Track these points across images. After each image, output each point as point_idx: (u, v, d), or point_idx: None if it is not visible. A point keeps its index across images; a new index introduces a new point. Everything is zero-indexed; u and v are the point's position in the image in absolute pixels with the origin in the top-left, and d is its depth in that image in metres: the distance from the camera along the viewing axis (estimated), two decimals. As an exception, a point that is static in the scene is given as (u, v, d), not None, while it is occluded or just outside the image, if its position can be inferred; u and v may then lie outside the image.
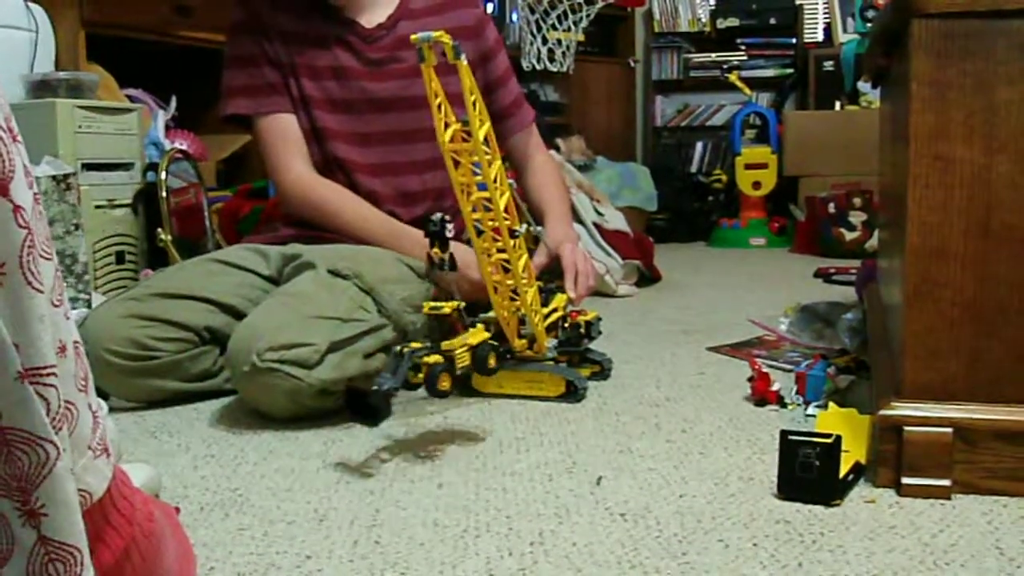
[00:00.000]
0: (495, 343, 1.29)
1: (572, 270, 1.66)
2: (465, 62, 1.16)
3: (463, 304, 1.27)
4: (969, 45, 0.99)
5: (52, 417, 0.55)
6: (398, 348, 1.20)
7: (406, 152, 1.77)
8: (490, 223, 1.26)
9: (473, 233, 1.26)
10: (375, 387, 1.14)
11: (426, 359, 1.18)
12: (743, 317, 2.13)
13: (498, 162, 1.24)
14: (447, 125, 1.17)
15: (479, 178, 1.22)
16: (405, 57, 1.77)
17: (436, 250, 1.27)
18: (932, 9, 0.99)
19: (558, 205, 1.88)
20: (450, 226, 1.26)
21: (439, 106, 1.15)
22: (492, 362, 1.27)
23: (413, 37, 1.15)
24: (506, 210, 1.26)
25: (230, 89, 1.77)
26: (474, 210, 1.24)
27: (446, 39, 1.14)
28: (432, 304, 1.25)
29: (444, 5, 1.84)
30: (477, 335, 1.27)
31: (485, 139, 1.20)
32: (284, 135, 1.75)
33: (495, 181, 1.22)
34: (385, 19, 1.79)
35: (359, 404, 1.17)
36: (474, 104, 1.18)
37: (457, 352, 1.21)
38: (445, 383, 1.18)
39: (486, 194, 1.23)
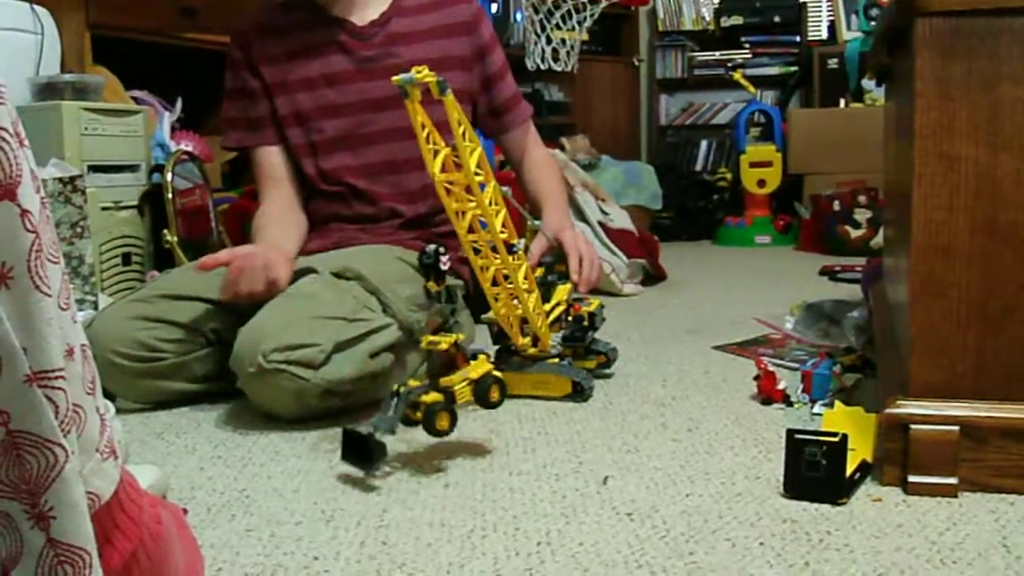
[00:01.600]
0: (498, 375, 1.24)
1: (575, 253, 1.65)
2: (451, 97, 1.13)
3: (462, 337, 1.24)
4: (973, 43, 0.99)
5: (60, 420, 0.55)
6: (395, 387, 1.17)
7: (405, 149, 1.76)
8: (487, 242, 1.24)
9: (470, 251, 1.25)
10: (370, 431, 1.11)
11: (424, 398, 1.16)
12: (748, 315, 2.12)
13: (492, 182, 1.22)
14: (436, 153, 1.14)
15: (473, 204, 1.20)
16: (399, 53, 1.78)
17: (432, 283, 1.25)
18: (936, 7, 0.99)
19: (555, 196, 1.89)
20: (444, 258, 1.23)
21: (427, 137, 1.13)
22: (495, 395, 1.22)
23: (395, 79, 1.11)
24: (503, 225, 1.25)
25: (222, 120, 1.85)
26: (470, 231, 1.23)
27: (430, 78, 1.11)
28: (429, 339, 1.20)
29: (438, 2, 1.84)
30: (479, 368, 1.23)
31: (477, 164, 1.18)
32: (264, 168, 1.81)
33: (490, 204, 1.21)
34: (378, 16, 1.80)
35: (354, 446, 1.13)
36: (463, 135, 1.15)
37: (457, 388, 1.18)
38: (443, 422, 1.15)
39: (480, 211, 1.21)
